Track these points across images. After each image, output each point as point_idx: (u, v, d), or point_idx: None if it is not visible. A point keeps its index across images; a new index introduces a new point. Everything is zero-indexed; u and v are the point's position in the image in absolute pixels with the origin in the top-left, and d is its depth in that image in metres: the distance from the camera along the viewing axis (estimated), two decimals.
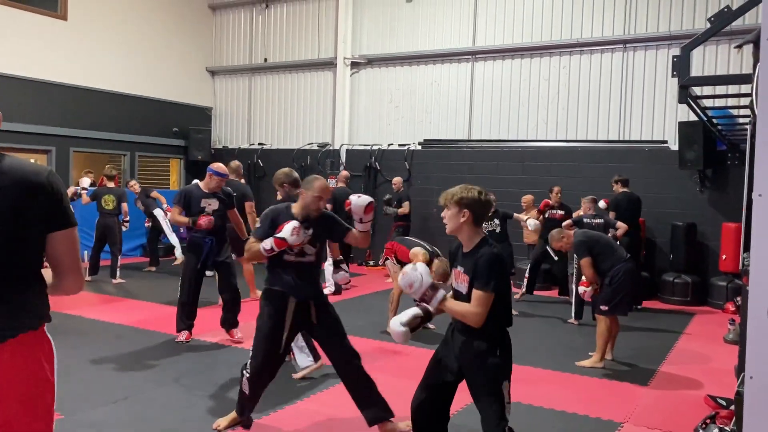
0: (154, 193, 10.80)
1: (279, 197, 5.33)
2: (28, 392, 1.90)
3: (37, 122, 10.88)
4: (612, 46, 10.18)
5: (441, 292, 2.91)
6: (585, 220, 7.56)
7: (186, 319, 6.04)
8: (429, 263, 5.80)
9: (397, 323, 3.02)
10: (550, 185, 9.19)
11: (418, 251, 6.13)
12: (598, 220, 7.63)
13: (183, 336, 6.03)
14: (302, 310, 3.83)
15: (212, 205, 6.01)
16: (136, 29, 12.48)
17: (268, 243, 3.76)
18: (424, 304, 2.96)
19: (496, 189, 9.81)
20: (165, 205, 10.44)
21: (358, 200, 3.85)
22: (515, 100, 10.96)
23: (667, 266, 9.31)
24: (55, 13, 11.25)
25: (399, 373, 5.15)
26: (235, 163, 8.03)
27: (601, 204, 8.37)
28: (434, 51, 11.59)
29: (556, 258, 8.46)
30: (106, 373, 5.08)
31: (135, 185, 10.58)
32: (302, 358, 5.02)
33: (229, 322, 6.14)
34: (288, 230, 3.68)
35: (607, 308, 5.54)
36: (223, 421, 3.98)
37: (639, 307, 8.20)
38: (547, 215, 8.74)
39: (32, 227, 1.87)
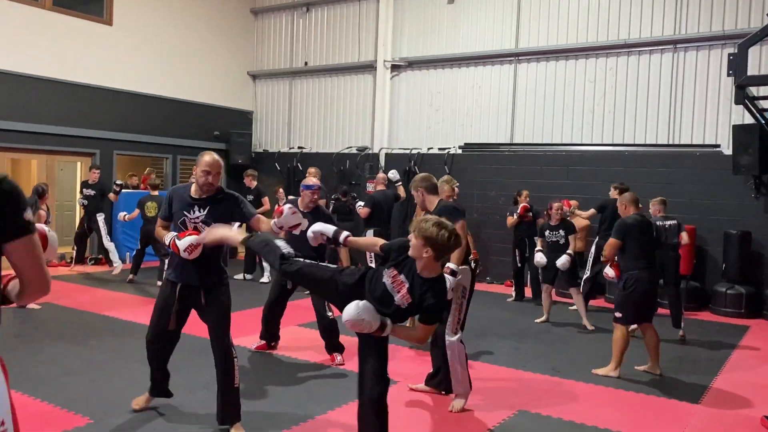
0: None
1: (416, 201, 4.96)
2: None
3: (83, 126, 11.08)
4: (661, 47, 9.80)
5: (389, 327, 3.14)
6: (658, 222, 7.03)
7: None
8: None
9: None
10: (594, 190, 8.92)
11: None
12: (670, 222, 7.19)
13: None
14: (189, 295, 3.97)
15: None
16: (180, 34, 12.63)
17: (168, 239, 3.93)
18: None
19: (539, 194, 9.61)
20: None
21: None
22: (559, 102, 10.67)
23: (719, 276, 8.89)
24: (101, 19, 11.45)
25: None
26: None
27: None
28: (476, 53, 11.38)
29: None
30: (137, 376, 5.02)
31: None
32: None
33: (330, 345, 5.71)
34: (184, 244, 3.79)
35: (621, 316, 5.38)
36: (140, 400, 4.29)
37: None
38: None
39: None
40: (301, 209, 5.52)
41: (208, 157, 3.86)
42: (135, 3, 11.86)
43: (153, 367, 4.21)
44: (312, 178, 5.71)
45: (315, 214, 5.44)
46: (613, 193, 8.26)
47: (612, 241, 5.52)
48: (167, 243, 3.92)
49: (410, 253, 3.11)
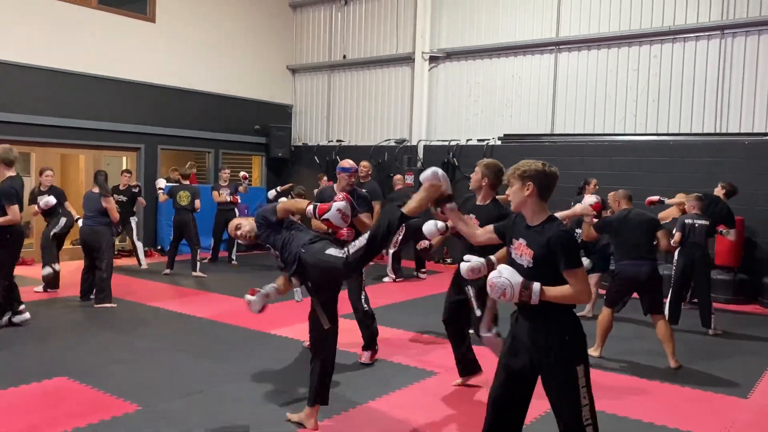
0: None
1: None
2: None
3: (128, 121, 11.35)
4: (708, 33, 9.52)
5: (536, 285, 2.78)
6: (687, 221, 6.85)
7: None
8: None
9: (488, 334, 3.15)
10: (638, 181, 8.67)
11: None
12: (700, 222, 6.84)
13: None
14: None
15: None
16: (220, 30, 12.81)
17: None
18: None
19: (580, 185, 9.43)
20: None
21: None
22: (601, 92, 10.47)
23: None
24: (144, 16, 11.69)
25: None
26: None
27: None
28: (516, 43, 11.24)
29: None
30: (182, 365, 5.16)
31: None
32: None
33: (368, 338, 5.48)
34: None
35: (605, 298, 5.76)
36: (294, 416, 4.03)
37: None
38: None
39: None
40: (338, 192, 5.55)
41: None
42: (177, 0, 12.07)
43: None
44: (348, 161, 5.68)
45: (351, 196, 5.45)
46: (718, 191, 7.68)
47: (592, 233, 5.88)
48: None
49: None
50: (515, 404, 2.95)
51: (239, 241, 4.18)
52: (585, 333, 2.88)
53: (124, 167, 11.13)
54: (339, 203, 3.72)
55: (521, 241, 2.92)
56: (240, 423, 4.01)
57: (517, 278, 2.80)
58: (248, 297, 3.90)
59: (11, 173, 5.95)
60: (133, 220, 10.09)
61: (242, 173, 10.91)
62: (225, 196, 10.44)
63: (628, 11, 10.15)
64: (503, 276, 2.82)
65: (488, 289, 2.86)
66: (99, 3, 10.98)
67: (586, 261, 6.55)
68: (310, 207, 3.81)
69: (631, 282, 5.59)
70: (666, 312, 7.01)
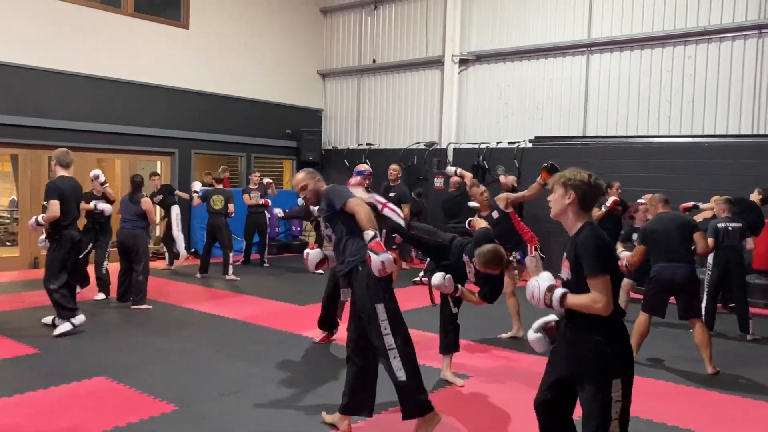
0: (179, 192, 10.87)
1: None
2: None
3: (163, 126, 11.57)
4: (745, 33, 9.35)
5: (558, 291, 2.74)
6: (719, 225, 6.74)
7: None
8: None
9: (531, 332, 3.03)
10: (673, 184, 8.54)
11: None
12: (733, 225, 6.73)
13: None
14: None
15: None
16: (252, 36, 12.98)
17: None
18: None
19: (608, 182, 9.31)
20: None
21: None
22: (634, 93, 10.34)
23: None
24: (178, 23, 11.91)
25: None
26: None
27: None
28: (547, 44, 11.18)
29: None
30: (218, 366, 5.24)
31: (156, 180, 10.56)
32: None
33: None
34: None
35: (642, 303, 5.66)
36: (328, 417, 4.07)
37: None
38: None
39: None
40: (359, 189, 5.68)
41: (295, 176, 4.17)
42: (210, 7, 12.27)
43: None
44: (363, 165, 5.80)
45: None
46: (755, 196, 7.57)
47: (635, 260, 5.72)
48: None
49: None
50: (561, 409, 2.91)
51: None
52: (631, 346, 2.79)
53: (157, 171, 11.32)
54: (388, 259, 3.57)
55: (564, 254, 2.86)
56: (275, 424, 4.05)
57: (546, 283, 2.78)
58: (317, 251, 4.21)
59: (65, 174, 6.16)
60: (174, 211, 10.26)
61: (266, 180, 11.00)
62: (255, 199, 10.56)
63: (662, 11, 10.01)
64: (537, 278, 2.83)
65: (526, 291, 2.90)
66: (134, 10, 11.22)
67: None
68: (371, 234, 3.66)
69: (667, 284, 5.47)
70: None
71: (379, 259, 3.53)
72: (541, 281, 2.80)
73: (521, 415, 4.27)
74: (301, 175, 4.09)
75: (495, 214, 6.29)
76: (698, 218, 7.40)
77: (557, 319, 2.93)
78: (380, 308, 3.69)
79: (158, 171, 11.31)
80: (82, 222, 6.85)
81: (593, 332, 2.71)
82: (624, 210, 8.42)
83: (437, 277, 4.65)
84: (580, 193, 2.79)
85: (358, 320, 3.84)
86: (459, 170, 7.62)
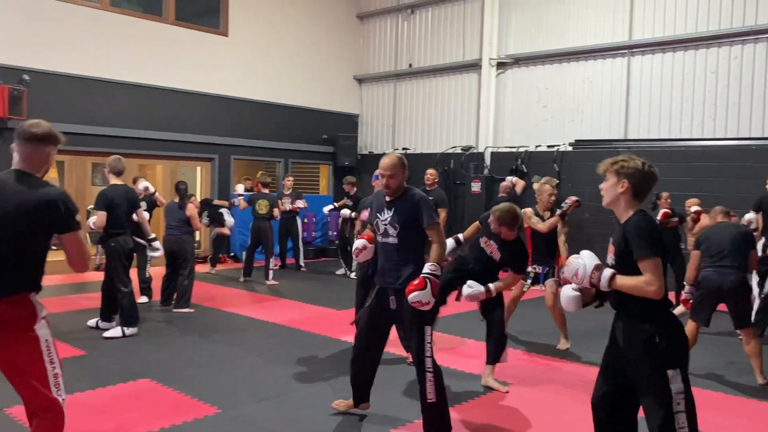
0: (218, 201, 11.02)
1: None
2: None
3: (203, 132, 11.75)
4: None
5: (607, 271, 2.67)
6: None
7: None
8: None
9: (568, 289, 2.90)
10: (717, 188, 8.30)
11: None
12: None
13: None
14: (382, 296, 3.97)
15: None
16: (290, 43, 13.10)
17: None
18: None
19: (656, 192, 9.12)
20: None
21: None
22: (677, 95, 10.11)
23: None
24: (218, 30, 12.09)
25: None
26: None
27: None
28: (586, 47, 11.01)
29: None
30: (259, 370, 5.28)
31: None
32: None
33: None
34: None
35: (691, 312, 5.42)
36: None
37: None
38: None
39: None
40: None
41: (382, 160, 3.89)
42: (249, 15, 12.43)
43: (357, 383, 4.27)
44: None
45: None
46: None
47: (692, 274, 5.44)
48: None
49: (604, 201, 2.79)
50: (618, 406, 2.80)
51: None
52: (685, 335, 2.70)
53: (198, 177, 11.50)
54: (427, 298, 3.59)
55: (611, 240, 2.80)
56: (315, 427, 4.06)
57: (593, 261, 2.71)
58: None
59: (117, 182, 6.27)
60: (228, 221, 10.40)
61: (300, 202, 10.94)
62: (285, 205, 10.53)
63: (706, 11, 9.77)
64: (580, 257, 2.77)
65: (564, 268, 2.87)
66: (176, 19, 11.43)
67: None
68: (430, 269, 3.67)
69: (714, 291, 5.23)
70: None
71: (418, 298, 3.59)
72: (587, 259, 2.73)
73: (568, 418, 4.19)
74: (392, 161, 3.84)
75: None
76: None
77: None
78: (428, 330, 3.78)
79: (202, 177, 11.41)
80: None
81: (644, 321, 2.64)
82: (681, 221, 7.99)
83: (465, 290, 4.72)
84: (634, 181, 2.71)
85: (388, 325, 4.08)
86: (514, 178, 7.79)
